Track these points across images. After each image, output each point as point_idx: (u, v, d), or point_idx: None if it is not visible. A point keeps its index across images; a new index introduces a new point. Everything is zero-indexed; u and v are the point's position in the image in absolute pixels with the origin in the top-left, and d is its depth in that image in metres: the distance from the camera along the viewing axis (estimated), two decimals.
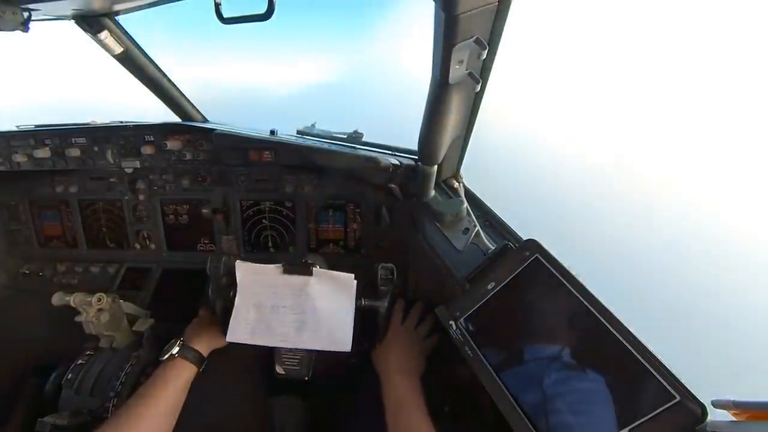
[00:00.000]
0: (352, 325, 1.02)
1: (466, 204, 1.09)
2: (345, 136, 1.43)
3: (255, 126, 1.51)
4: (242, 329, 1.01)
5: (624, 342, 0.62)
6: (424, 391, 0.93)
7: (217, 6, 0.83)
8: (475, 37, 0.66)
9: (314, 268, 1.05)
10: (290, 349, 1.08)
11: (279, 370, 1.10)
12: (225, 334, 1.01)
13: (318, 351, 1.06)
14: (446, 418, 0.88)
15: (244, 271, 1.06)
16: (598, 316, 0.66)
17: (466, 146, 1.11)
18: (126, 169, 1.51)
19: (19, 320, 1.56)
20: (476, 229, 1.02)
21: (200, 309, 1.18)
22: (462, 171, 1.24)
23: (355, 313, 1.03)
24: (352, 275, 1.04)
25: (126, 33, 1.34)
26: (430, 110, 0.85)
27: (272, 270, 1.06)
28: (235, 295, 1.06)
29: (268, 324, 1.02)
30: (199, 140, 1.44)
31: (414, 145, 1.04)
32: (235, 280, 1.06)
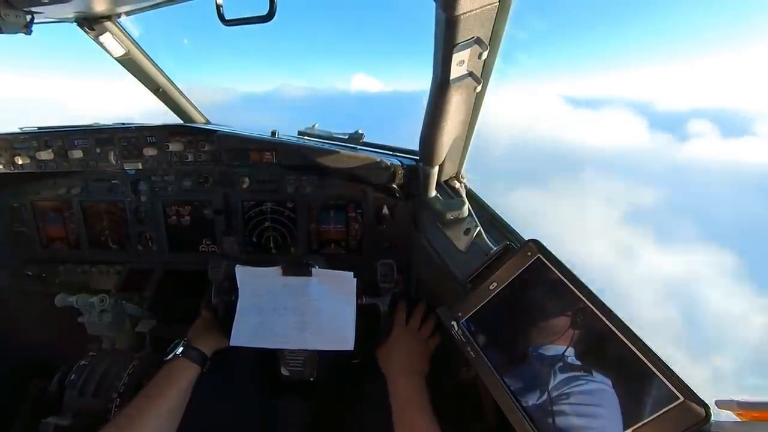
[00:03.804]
0: (354, 323, 1.02)
1: (467, 204, 1.09)
2: (346, 137, 1.43)
3: (256, 127, 1.51)
4: (245, 333, 1.02)
5: (627, 342, 0.61)
6: (428, 392, 0.93)
7: (219, 8, 0.83)
8: (475, 38, 0.66)
9: (313, 268, 1.05)
10: (294, 351, 1.08)
11: (284, 371, 1.10)
12: (228, 337, 1.02)
13: (322, 351, 1.06)
14: (450, 419, 0.87)
15: (244, 275, 1.06)
16: (601, 316, 0.65)
17: (468, 146, 1.11)
18: (128, 171, 1.52)
19: (22, 321, 1.56)
20: (478, 230, 1.02)
21: (202, 310, 1.18)
22: (464, 171, 1.23)
23: (357, 311, 1.03)
24: (352, 273, 1.04)
25: (128, 35, 1.35)
26: (431, 110, 0.85)
27: (272, 272, 1.06)
28: (236, 300, 1.06)
29: (270, 327, 1.02)
30: (201, 141, 1.45)
31: (415, 146, 1.04)
32: (236, 284, 1.06)
